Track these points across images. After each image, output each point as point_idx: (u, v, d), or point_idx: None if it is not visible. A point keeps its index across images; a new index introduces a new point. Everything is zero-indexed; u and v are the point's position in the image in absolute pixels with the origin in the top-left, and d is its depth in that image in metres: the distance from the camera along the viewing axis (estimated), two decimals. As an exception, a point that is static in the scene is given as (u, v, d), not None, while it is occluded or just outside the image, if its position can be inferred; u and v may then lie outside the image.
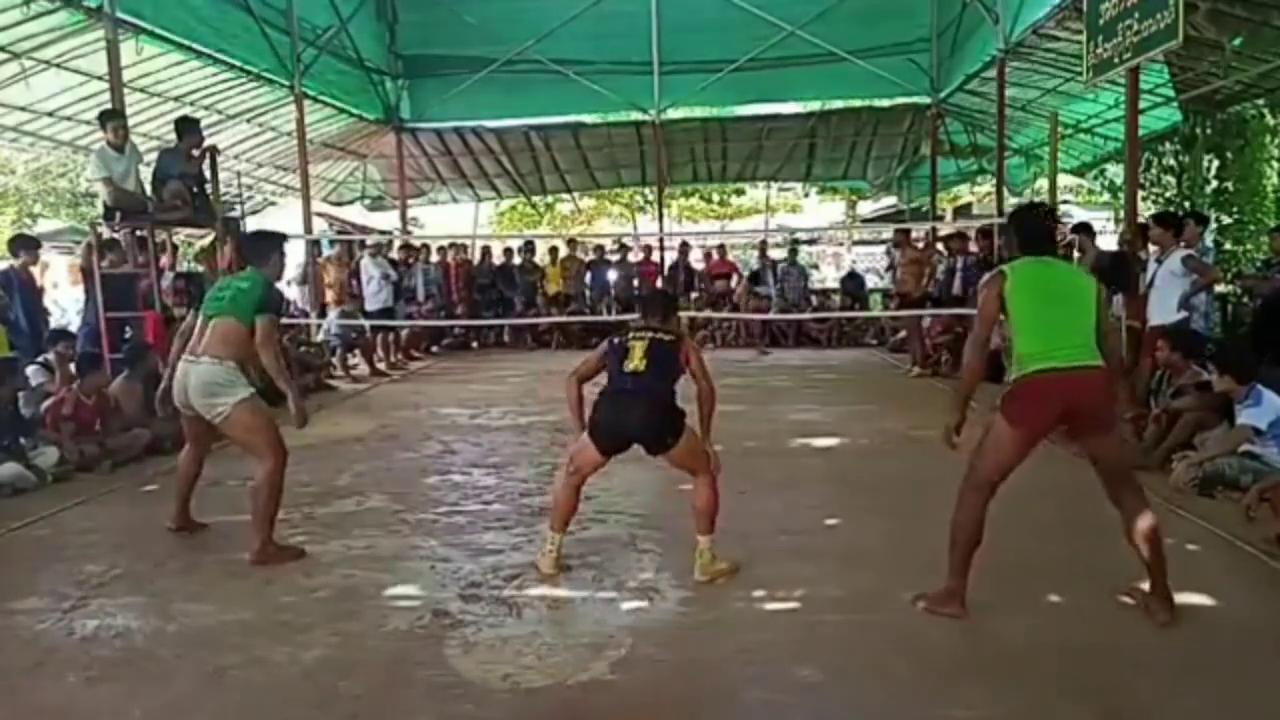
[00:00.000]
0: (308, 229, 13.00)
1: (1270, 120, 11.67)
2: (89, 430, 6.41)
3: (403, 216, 16.86)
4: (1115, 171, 13.33)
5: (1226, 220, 11.96)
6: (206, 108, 11.56)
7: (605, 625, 3.54)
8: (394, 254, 12.97)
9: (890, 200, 19.68)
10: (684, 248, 14.92)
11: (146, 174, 7.98)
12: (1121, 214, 9.06)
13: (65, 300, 13.33)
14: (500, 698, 3.02)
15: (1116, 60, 7.05)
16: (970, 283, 10.73)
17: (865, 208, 22.66)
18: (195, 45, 10.01)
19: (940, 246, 12.86)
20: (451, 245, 14.74)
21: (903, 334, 12.47)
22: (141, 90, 10.42)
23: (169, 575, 4.19)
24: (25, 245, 8.50)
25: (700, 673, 3.17)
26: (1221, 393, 5.35)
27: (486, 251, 15.06)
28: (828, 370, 10.98)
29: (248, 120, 12.80)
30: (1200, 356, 6.00)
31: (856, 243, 22.03)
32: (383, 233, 15.12)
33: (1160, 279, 6.87)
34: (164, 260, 8.40)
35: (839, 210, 24.68)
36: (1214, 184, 12.02)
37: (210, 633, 3.55)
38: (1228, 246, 11.75)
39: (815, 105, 16.41)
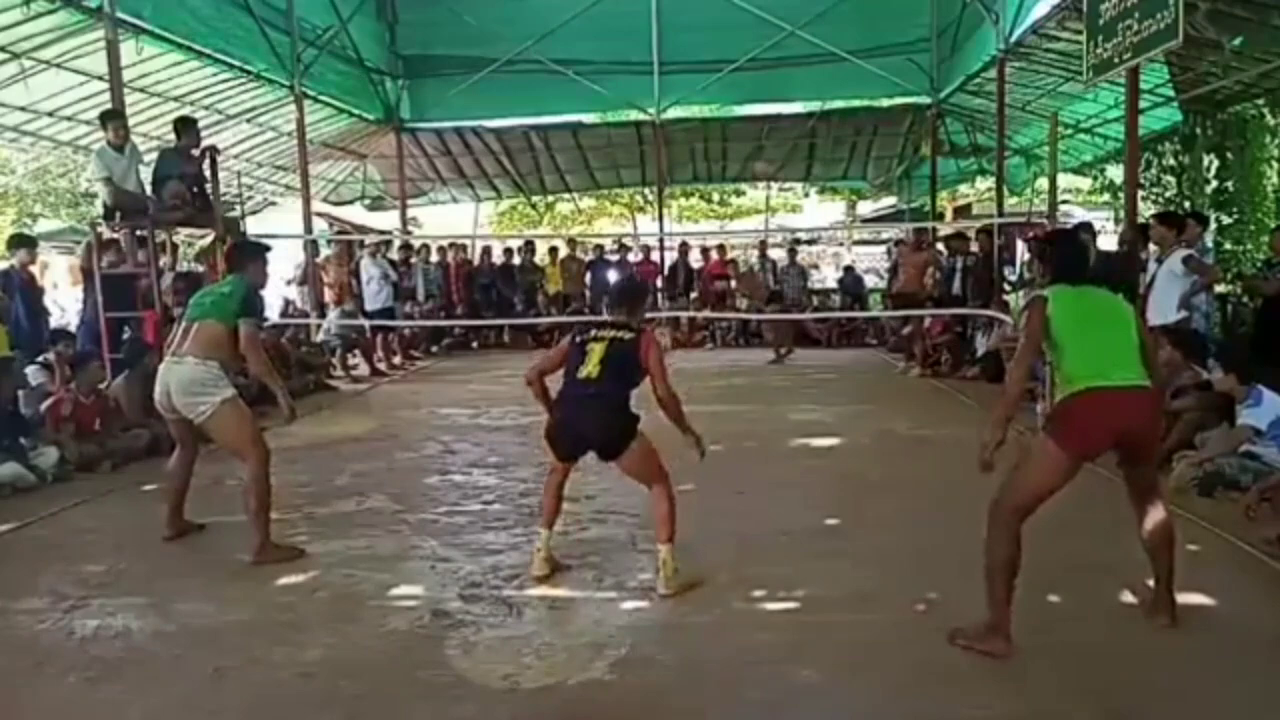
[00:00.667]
0: (308, 229, 13.01)
1: (1270, 120, 11.67)
2: (89, 430, 6.41)
3: (403, 216, 16.86)
4: (1115, 171, 13.33)
5: (1226, 220, 11.96)
6: (206, 108, 11.56)
7: (605, 625, 3.54)
8: (393, 254, 12.97)
9: (890, 200, 19.68)
10: (684, 248, 14.93)
11: (146, 174, 7.98)
12: (1121, 214, 9.06)
13: (65, 300, 13.34)
14: (500, 698, 3.02)
15: (1116, 60, 7.05)
16: (977, 282, 10.76)
17: (865, 208, 22.65)
18: (195, 45, 10.01)
19: (941, 246, 12.88)
20: (451, 245, 14.75)
21: (906, 331, 12.49)
22: (141, 90, 10.42)
23: (169, 575, 4.19)
24: (20, 245, 8.51)
25: (700, 673, 3.16)
26: (1221, 393, 5.35)
27: (487, 251, 15.06)
28: (828, 370, 10.98)
29: (248, 120, 12.80)
30: (1201, 356, 6.00)
31: (856, 243, 22.03)
32: (382, 233, 15.12)
33: (1160, 279, 6.87)
34: (163, 260, 8.40)
35: (839, 210, 24.67)
36: (1214, 184, 12.02)
37: (210, 633, 3.54)
38: (1228, 246, 11.75)
39: (815, 105, 16.41)
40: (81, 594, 3.95)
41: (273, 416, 4.54)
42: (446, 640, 3.43)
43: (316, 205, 15.20)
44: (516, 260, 14.71)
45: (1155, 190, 12.60)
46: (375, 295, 11.67)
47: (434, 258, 14.02)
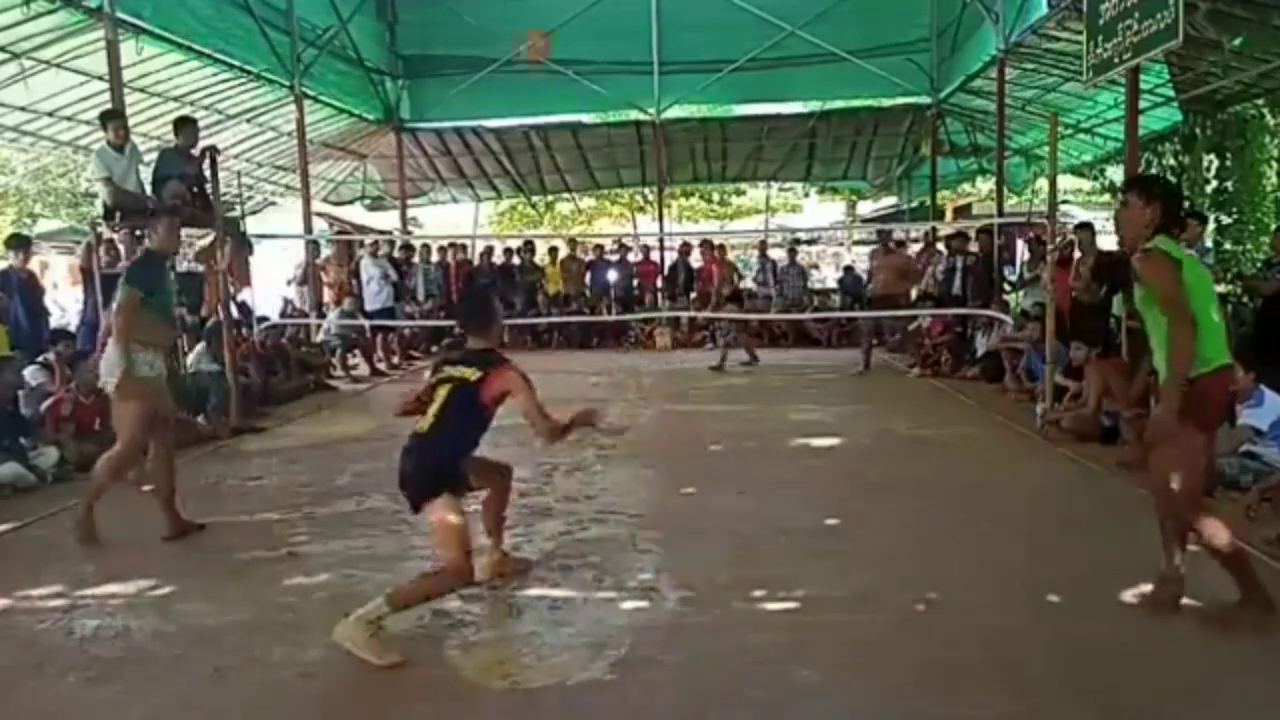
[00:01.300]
0: (308, 229, 13.00)
1: (1270, 120, 11.68)
2: (89, 430, 6.41)
3: (403, 216, 16.87)
4: (1115, 171, 13.33)
5: (1226, 220, 11.96)
6: (206, 108, 11.55)
7: (605, 625, 3.54)
8: (391, 252, 12.97)
9: (890, 200, 19.68)
10: (684, 248, 14.93)
11: (146, 174, 7.98)
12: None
13: (65, 300, 13.34)
14: (500, 698, 3.02)
15: (1116, 60, 7.04)
16: (977, 282, 10.75)
17: (865, 208, 22.65)
18: (195, 45, 10.01)
19: (941, 246, 12.88)
20: (451, 245, 14.75)
21: (896, 338, 12.48)
22: (141, 90, 10.41)
23: (169, 575, 4.18)
24: (16, 245, 8.53)
25: (700, 673, 3.16)
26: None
27: (489, 251, 15.06)
28: (828, 370, 10.97)
29: (248, 120, 12.80)
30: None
31: (856, 243, 22.02)
32: (382, 233, 15.12)
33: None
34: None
35: (839, 210, 24.66)
36: (1214, 184, 12.02)
37: (210, 633, 3.54)
38: (1228, 246, 11.76)
39: (815, 105, 16.41)
40: (81, 594, 3.95)
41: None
42: (446, 640, 3.43)
43: (316, 205, 15.20)
44: (516, 260, 14.71)
45: (1155, 190, 12.59)
46: (375, 295, 11.68)
47: (434, 258, 14.02)
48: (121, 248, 8.55)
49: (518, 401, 3.50)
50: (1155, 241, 3.33)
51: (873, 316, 11.02)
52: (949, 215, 18.44)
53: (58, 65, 9.22)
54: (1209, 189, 12.00)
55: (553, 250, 14.80)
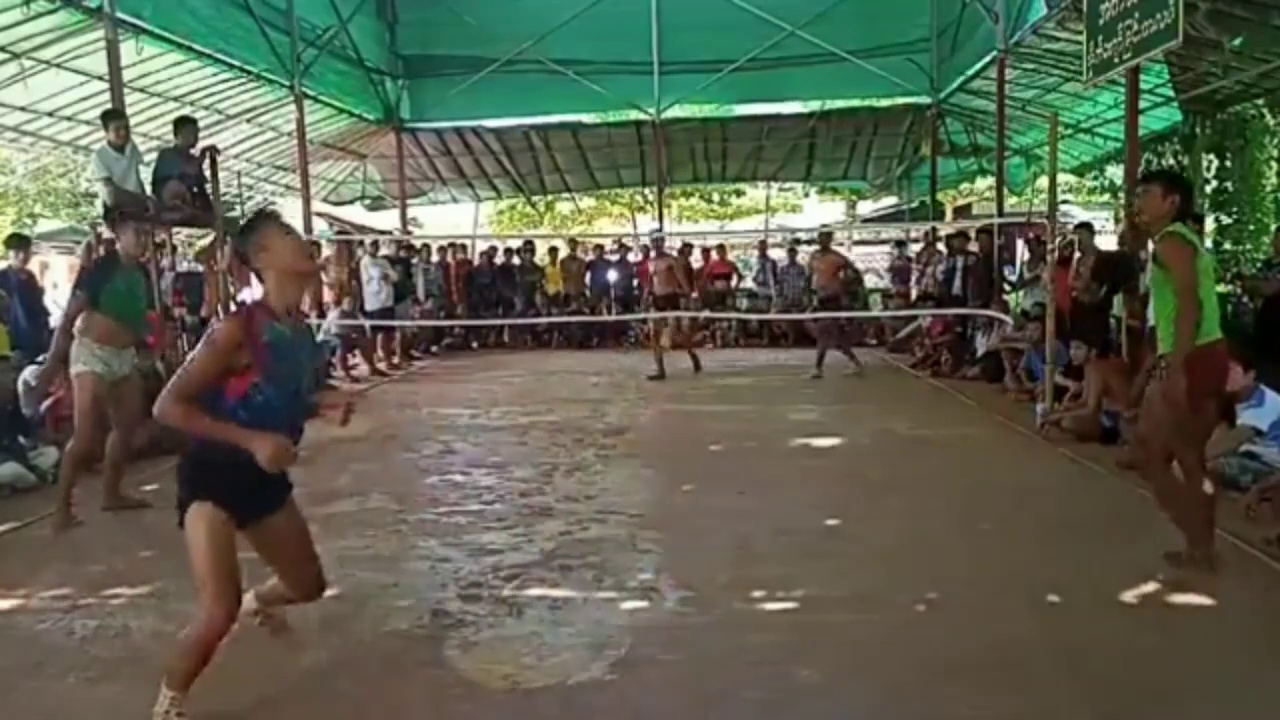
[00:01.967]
0: (308, 229, 12.99)
1: (1270, 120, 11.67)
2: (89, 430, 6.40)
3: (403, 216, 16.86)
4: (1115, 171, 13.33)
5: (1226, 220, 11.96)
6: (206, 108, 11.55)
7: (605, 625, 3.54)
8: (386, 251, 12.97)
9: (890, 200, 19.68)
10: (685, 248, 14.92)
11: (147, 174, 7.98)
12: (1121, 214, 9.06)
13: (65, 300, 13.32)
14: (500, 698, 3.02)
15: (1116, 60, 7.05)
16: (977, 282, 10.75)
17: (865, 208, 22.64)
18: (195, 45, 10.00)
19: (941, 246, 12.88)
20: (451, 245, 14.75)
21: (904, 333, 12.50)
22: (141, 90, 10.41)
23: (169, 575, 4.17)
24: (15, 245, 8.52)
25: (700, 673, 3.16)
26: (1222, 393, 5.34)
27: (492, 251, 15.07)
28: (827, 370, 10.96)
29: (248, 120, 12.80)
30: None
31: (857, 243, 22.01)
32: (382, 233, 15.13)
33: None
34: (164, 260, 8.40)
35: (839, 210, 24.65)
36: (1214, 184, 12.02)
37: (210, 633, 3.54)
38: (1227, 246, 11.75)
39: (815, 105, 16.41)
40: (81, 594, 3.95)
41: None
42: (446, 640, 3.43)
43: (316, 205, 15.20)
44: (516, 260, 14.72)
45: (1155, 190, 12.59)
46: (375, 295, 11.68)
47: (434, 258, 14.02)
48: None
49: None
50: (1176, 227, 3.78)
51: (869, 317, 11.00)
52: (949, 215, 18.45)
53: (58, 65, 9.21)
54: (1209, 189, 11.99)
55: (553, 250, 14.80)
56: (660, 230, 11.51)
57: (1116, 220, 12.12)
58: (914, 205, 17.52)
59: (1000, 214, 12.18)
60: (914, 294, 13.51)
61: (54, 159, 16.62)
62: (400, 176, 16.16)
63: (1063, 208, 11.62)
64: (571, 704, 2.98)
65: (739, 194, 24.10)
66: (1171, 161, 12.36)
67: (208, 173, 8.19)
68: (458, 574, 4.13)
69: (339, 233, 16.13)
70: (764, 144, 16.46)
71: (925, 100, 14.70)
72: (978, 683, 3.03)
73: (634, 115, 15.19)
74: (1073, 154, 14.00)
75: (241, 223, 2.85)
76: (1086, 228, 8.77)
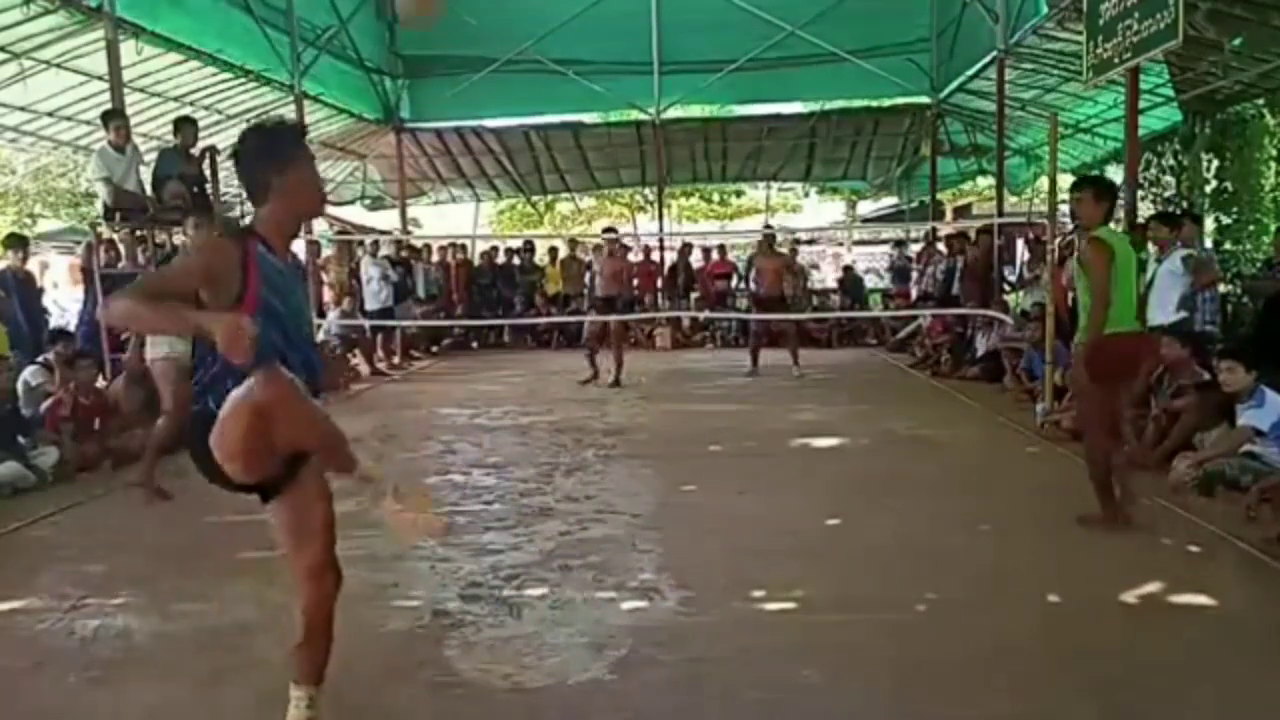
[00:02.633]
0: (308, 229, 12.98)
1: (1270, 120, 11.65)
2: (89, 430, 6.41)
3: (403, 216, 16.87)
4: (1115, 171, 13.32)
5: (1226, 220, 11.95)
6: (206, 108, 11.56)
7: (605, 625, 3.54)
8: (386, 251, 12.97)
9: (890, 200, 19.68)
10: (685, 248, 14.93)
11: (146, 174, 7.98)
12: (1121, 214, 9.03)
13: (65, 300, 13.33)
14: (500, 698, 3.02)
15: (1116, 60, 7.05)
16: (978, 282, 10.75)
17: (865, 208, 22.64)
18: (195, 45, 10.01)
19: (941, 246, 12.88)
20: (451, 245, 14.75)
21: (904, 333, 12.49)
22: (141, 90, 10.42)
23: (169, 575, 4.19)
24: (13, 245, 8.52)
25: (700, 673, 3.16)
26: (1222, 393, 5.34)
27: (493, 251, 15.06)
28: (828, 370, 10.98)
29: (248, 120, 12.79)
30: (1206, 356, 6.00)
31: (857, 243, 22.02)
32: (382, 233, 15.12)
33: (1160, 279, 6.89)
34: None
35: (839, 210, 24.67)
36: (1214, 184, 12.01)
37: (210, 633, 3.54)
38: (1227, 246, 11.74)
39: (815, 105, 16.41)
40: (81, 594, 3.95)
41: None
42: (446, 640, 3.43)
43: (316, 205, 15.17)
44: (516, 260, 14.71)
45: (1155, 190, 12.59)
46: (375, 295, 11.69)
47: (434, 258, 14.02)
48: (122, 247, 8.57)
49: None
50: (1099, 231, 4.40)
51: (869, 317, 11.00)
52: (949, 215, 18.44)
53: (58, 65, 9.21)
54: (1209, 189, 11.98)
55: (553, 250, 14.80)
56: (615, 231, 11.19)
57: (1116, 220, 12.08)
58: (914, 205, 17.53)
59: (1000, 214, 12.18)
60: (914, 294, 13.52)
61: (54, 159, 16.60)
62: (400, 176, 16.16)
63: (1063, 208, 11.59)
64: (571, 704, 2.98)
65: (739, 194, 24.10)
66: (1171, 161, 12.37)
67: (208, 173, 8.19)
68: (458, 574, 4.12)
69: (339, 233, 16.12)
70: (764, 144, 16.47)
71: (925, 100, 14.71)
72: (978, 683, 3.03)
73: (634, 115, 15.19)
74: (1073, 154, 14.00)
75: (262, 128, 2.48)
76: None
